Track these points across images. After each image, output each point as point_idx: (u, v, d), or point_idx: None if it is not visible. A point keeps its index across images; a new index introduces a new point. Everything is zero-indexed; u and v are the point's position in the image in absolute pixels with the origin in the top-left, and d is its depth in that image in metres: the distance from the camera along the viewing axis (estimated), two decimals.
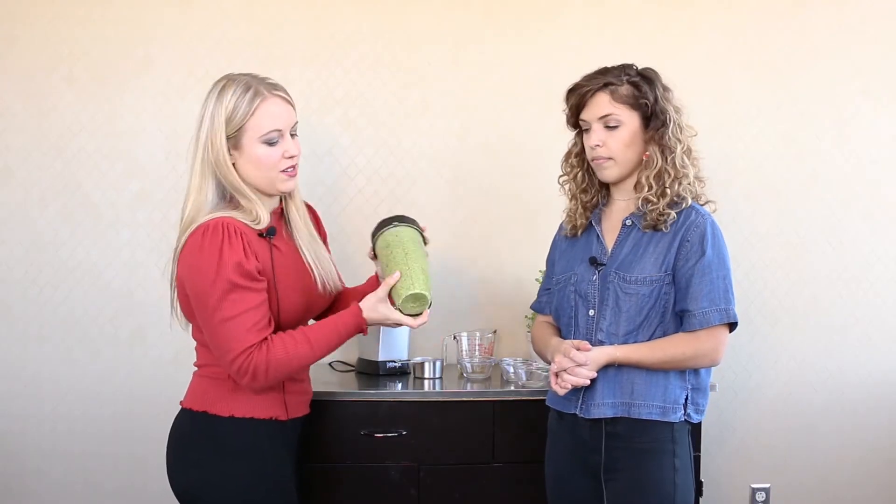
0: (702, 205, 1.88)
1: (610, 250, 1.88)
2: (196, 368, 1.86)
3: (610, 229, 1.92)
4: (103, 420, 2.68)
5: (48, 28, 2.64)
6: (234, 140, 1.75)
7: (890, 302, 2.89)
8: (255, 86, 1.75)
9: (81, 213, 2.67)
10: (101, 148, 2.66)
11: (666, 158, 1.82)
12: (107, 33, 2.65)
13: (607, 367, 1.80)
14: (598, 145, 1.84)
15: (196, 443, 1.79)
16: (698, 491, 2.30)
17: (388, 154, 2.75)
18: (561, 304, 1.92)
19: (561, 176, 2.01)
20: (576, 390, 1.82)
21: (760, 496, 2.87)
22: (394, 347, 2.50)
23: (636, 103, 1.83)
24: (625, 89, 1.83)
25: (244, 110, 1.73)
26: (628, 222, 1.88)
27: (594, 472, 1.84)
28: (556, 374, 1.79)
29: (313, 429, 2.20)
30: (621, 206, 1.92)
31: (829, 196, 2.86)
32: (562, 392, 1.79)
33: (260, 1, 2.70)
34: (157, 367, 2.68)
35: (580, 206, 1.96)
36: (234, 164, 1.76)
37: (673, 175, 1.82)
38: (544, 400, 2.00)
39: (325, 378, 2.47)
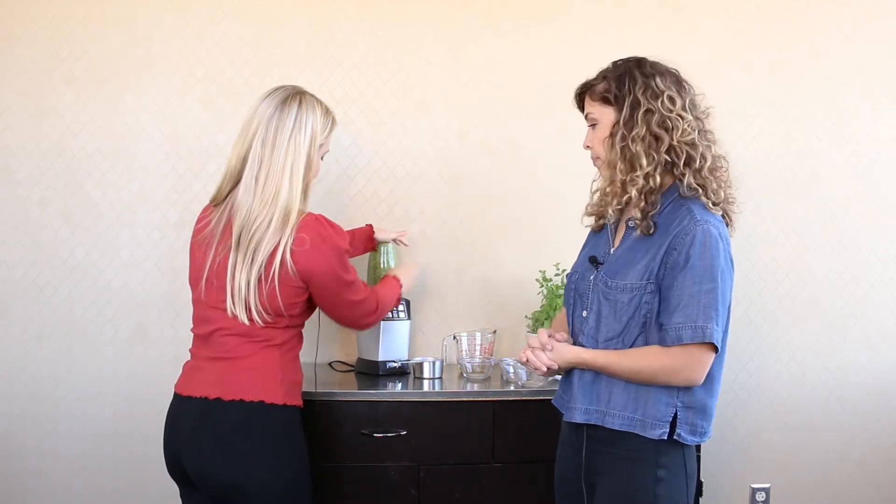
0: (712, 207, 1.75)
1: (612, 252, 1.82)
2: (228, 361, 1.92)
3: (621, 230, 1.85)
4: (103, 420, 2.68)
5: (48, 27, 2.64)
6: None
7: (890, 302, 2.89)
8: (329, 109, 2.05)
9: (81, 213, 2.66)
10: (101, 148, 2.66)
11: (625, 145, 1.71)
12: (107, 33, 2.65)
13: (585, 374, 1.76)
14: (587, 146, 1.83)
15: (253, 433, 1.87)
16: (698, 491, 2.29)
17: (388, 154, 2.75)
18: (566, 301, 1.91)
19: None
20: (565, 392, 1.82)
21: (760, 496, 2.87)
22: (394, 347, 2.50)
23: (606, 98, 1.75)
24: (601, 86, 1.76)
25: (329, 128, 2.02)
26: (630, 224, 1.79)
27: (585, 475, 1.82)
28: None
29: (313, 429, 2.20)
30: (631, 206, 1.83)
31: (829, 196, 2.86)
32: (537, 373, 1.80)
33: (260, 1, 2.70)
34: (157, 366, 2.68)
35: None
36: None
37: (628, 157, 1.71)
38: (544, 400, 2.00)
39: (325, 378, 2.47)
